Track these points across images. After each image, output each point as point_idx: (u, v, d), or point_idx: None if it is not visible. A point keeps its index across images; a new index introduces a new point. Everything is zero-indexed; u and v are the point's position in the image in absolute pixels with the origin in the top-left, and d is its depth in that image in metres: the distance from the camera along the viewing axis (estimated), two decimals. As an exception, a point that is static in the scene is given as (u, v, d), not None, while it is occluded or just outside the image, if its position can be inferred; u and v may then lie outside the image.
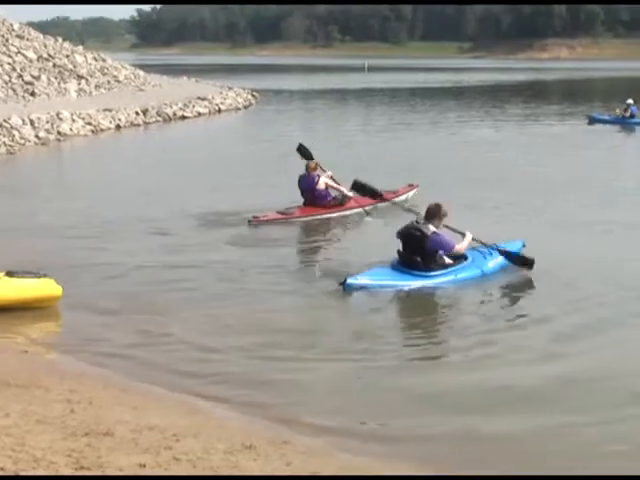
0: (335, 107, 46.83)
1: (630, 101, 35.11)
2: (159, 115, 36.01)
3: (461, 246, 11.46)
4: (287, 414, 7.37)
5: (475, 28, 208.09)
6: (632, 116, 34.58)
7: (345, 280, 10.75)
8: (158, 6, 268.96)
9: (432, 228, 11.11)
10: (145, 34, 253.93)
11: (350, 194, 15.56)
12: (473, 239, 11.72)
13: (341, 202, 15.87)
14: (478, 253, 11.78)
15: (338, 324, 9.89)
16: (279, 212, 15.27)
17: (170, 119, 36.34)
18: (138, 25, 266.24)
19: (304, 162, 16.24)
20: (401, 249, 11.32)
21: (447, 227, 11.54)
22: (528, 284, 11.49)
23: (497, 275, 11.70)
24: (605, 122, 34.74)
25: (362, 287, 10.79)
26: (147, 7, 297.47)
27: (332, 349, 8.96)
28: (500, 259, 11.81)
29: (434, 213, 11.20)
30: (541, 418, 7.32)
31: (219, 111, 41.28)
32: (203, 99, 41.87)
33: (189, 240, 13.93)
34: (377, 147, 27.20)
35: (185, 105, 39.03)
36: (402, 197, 16.68)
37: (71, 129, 29.88)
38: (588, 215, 15.91)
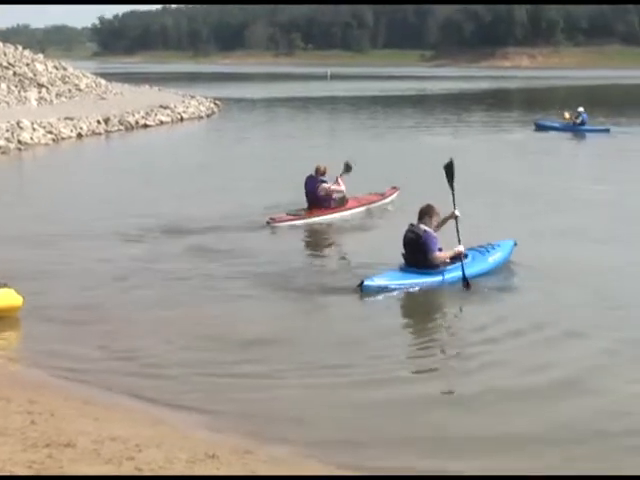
0: (298, 115, 46.85)
1: (581, 109, 35.58)
2: (121, 124, 35.83)
3: (444, 254, 11.63)
4: (250, 424, 7.35)
5: (437, 36, 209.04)
6: (583, 123, 35.09)
7: (362, 282, 11.12)
8: (120, 14, 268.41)
9: (423, 227, 11.54)
10: (107, 42, 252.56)
11: (342, 188, 16.44)
12: (460, 253, 11.77)
13: (341, 203, 16.57)
14: (477, 252, 12.25)
15: (308, 334, 9.83)
16: (289, 214, 16.00)
17: (132, 128, 36.17)
18: (100, 33, 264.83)
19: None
20: (405, 253, 11.68)
21: (455, 226, 11.89)
22: (512, 291, 11.66)
23: (490, 278, 11.94)
24: (551, 129, 35.21)
25: (379, 288, 11.17)
26: (109, 15, 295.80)
27: (303, 361, 8.92)
28: (497, 257, 12.29)
29: (425, 213, 11.63)
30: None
31: (181, 120, 41.15)
32: (165, 108, 41.72)
33: (152, 249, 13.85)
34: (336, 154, 27.15)
35: (147, 114, 38.87)
36: (389, 199, 17.75)
37: (32, 138, 29.66)
38: (539, 221, 15.98)
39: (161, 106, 41.87)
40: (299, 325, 10.16)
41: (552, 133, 34.52)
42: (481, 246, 12.44)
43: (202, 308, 10.67)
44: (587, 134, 34.56)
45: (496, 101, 61.04)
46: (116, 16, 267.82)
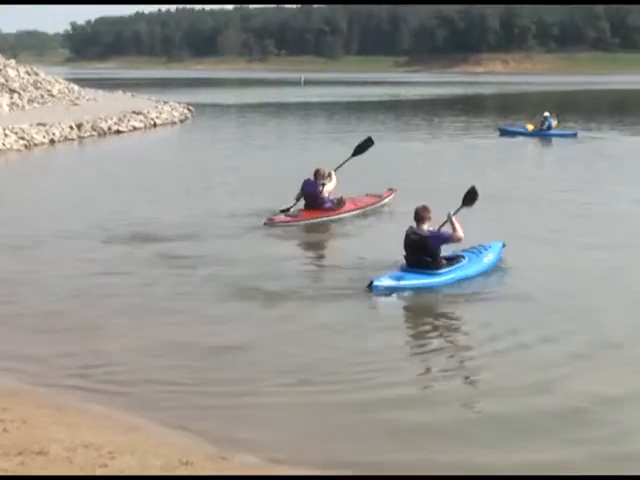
0: (271, 120, 46.81)
1: (547, 114, 35.85)
2: (94, 129, 35.67)
3: (457, 231, 11.92)
4: (225, 431, 7.32)
5: (410, 43, 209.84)
6: (549, 128, 35.31)
7: (372, 282, 11.37)
8: (93, 19, 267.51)
9: (426, 229, 11.86)
10: (80, 48, 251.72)
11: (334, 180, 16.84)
12: (453, 213, 12.18)
13: (339, 205, 16.95)
14: (472, 253, 12.61)
15: (284, 340, 9.78)
16: (287, 215, 16.29)
17: (105, 133, 36.01)
18: (72, 39, 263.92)
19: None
20: (407, 255, 11.94)
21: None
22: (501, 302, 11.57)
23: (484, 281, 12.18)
24: (516, 134, 35.41)
25: (388, 288, 11.43)
26: (82, 20, 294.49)
27: (277, 367, 8.88)
28: (491, 257, 12.70)
29: (423, 214, 11.90)
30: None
31: (155, 125, 41.01)
32: (138, 113, 41.55)
33: (124, 254, 13.74)
34: (309, 158, 27.17)
35: (120, 119, 38.71)
36: (385, 201, 18.21)
37: (3, 144, 29.47)
38: (507, 225, 16.05)
39: (134, 112, 41.71)
40: (275, 331, 10.10)
41: (519, 138, 34.66)
42: (474, 247, 12.78)
43: (176, 314, 10.62)
44: (554, 139, 34.75)
45: (469, 107, 61.28)
46: (88, 22, 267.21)
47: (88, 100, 48.58)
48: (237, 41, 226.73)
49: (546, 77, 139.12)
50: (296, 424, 7.50)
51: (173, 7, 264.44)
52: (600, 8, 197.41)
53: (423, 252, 11.81)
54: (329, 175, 16.95)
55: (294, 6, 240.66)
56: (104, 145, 33.41)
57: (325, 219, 16.71)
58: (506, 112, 53.70)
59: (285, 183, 19.24)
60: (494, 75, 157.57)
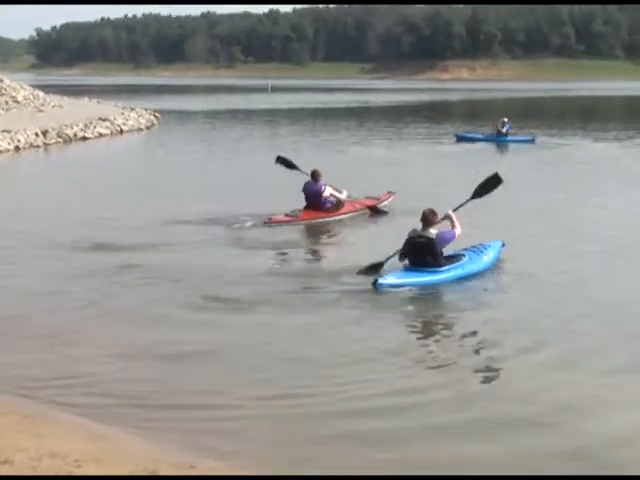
0: (238, 127, 46.73)
1: (505, 119, 36.13)
2: (59, 136, 35.44)
3: (458, 229, 12.50)
4: (191, 439, 7.27)
5: (376, 49, 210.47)
6: (507, 134, 35.51)
7: (376, 280, 11.65)
8: (58, 25, 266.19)
9: (433, 232, 12.19)
10: (45, 54, 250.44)
11: (343, 196, 17.50)
12: (454, 210, 12.87)
13: (337, 206, 17.41)
14: (472, 252, 12.97)
15: (255, 347, 9.69)
16: (287, 215, 16.68)
17: (71, 140, 35.80)
18: (37, 45, 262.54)
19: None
20: (409, 255, 12.26)
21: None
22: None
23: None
24: (473, 140, 35.59)
25: (392, 286, 11.70)
26: (47, 26, 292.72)
27: (246, 374, 8.84)
28: (491, 256, 13.07)
29: (430, 218, 12.21)
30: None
31: (121, 132, 40.83)
32: (105, 120, 41.35)
33: (89, 261, 13.60)
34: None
35: (86, 126, 38.50)
36: (385, 203, 18.58)
37: (-32, 151, 29.26)
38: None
39: (100, 118, 41.50)
40: (245, 338, 10.02)
41: (477, 144, 34.79)
42: (474, 246, 13.17)
43: (144, 322, 10.54)
44: (511, 144, 34.94)
45: (435, 113, 61.57)
46: (54, 28, 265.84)
47: (53, 107, 48.26)
48: (204, 48, 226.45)
49: (512, 83, 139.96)
50: (266, 432, 7.46)
51: (139, 13, 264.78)
52: (565, 14, 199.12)
53: (427, 253, 12.15)
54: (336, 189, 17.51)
55: (261, 12, 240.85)
56: (70, 152, 33.22)
57: (325, 220, 17.04)
58: (472, 119, 54.04)
59: (250, 189, 19.28)
60: (460, 82, 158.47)
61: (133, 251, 14.32)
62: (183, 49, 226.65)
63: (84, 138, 36.85)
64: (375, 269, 12.44)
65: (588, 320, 10.61)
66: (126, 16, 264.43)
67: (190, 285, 12.08)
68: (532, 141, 35.45)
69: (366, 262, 12.64)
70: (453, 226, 12.54)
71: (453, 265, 12.41)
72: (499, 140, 35.31)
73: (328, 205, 17.26)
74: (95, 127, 39.02)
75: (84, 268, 13.12)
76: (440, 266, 12.23)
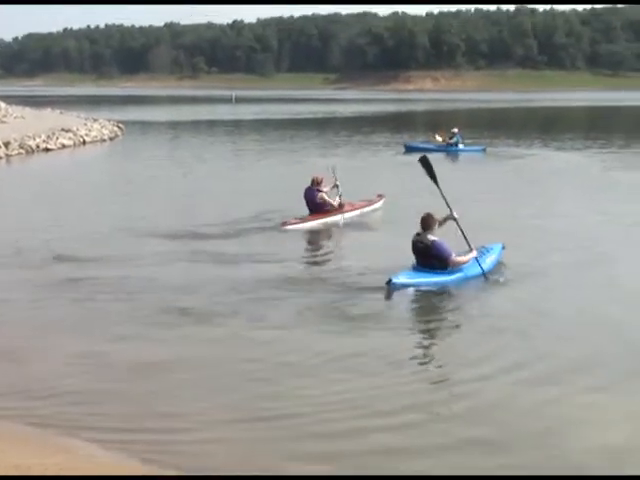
0: (202, 138, 46.70)
1: (455, 130, 36.38)
2: (22, 147, 35.21)
3: (460, 259, 12.94)
4: (155, 452, 7.24)
5: (340, 60, 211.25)
6: (456, 144, 35.79)
7: (390, 279, 12.17)
8: (20, 36, 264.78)
9: (431, 237, 12.69)
10: (6, 64, 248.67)
11: (335, 203, 18.69)
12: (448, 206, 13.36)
13: (338, 207, 18.74)
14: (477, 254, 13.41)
15: (217, 359, 9.61)
16: (297, 218, 18.01)
17: (33, 151, 35.57)
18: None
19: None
20: (416, 257, 12.86)
21: (459, 229, 13.19)
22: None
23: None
24: (422, 150, 35.60)
25: (405, 285, 12.28)
26: (8, 37, 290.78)
27: (210, 385, 8.78)
28: (493, 258, 13.69)
29: (429, 222, 12.76)
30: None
31: (84, 143, 40.65)
32: (67, 131, 41.16)
33: (45, 272, 13.44)
34: (238, 175, 27.25)
35: (49, 137, 38.29)
36: (377, 205, 20.15)
37: None
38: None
39: (63, 129, 41.30)
40: (210, 349, 9.94)
41: (426, 154, 34.65)
42: (478, 250, 13.53)
43: (106, 335, 10.42)
44: (461, 154, 35.17)
45: (398, 123, 61.79)
46: (15, 38, 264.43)
47: (15, 118, 48.00)
48: (167, 58, 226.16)
49: (476, 94, 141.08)
50: (230, 443, 7.44)
51: (102, 23, 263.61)
52: (528, 26, 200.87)
53: (432, 257, 12.70)
54: (336, 185, 18.92)
55: (225, 23, 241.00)
56: (32, 163, 33.00)
57: (329, 219, 18.41)
58: (435, 128, 54.14)
59: (211, 199, 19.57)
60: (424, 92, 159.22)
61: (94, 262, 14.19)
62: (146, 59, 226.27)
63: (47, 149, 36.63)
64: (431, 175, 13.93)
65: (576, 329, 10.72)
66: (89, 26, 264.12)
67: (154, 297, 11.98)
68: (483, 151, 35.77)
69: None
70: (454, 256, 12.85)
71: (459, 268, 12.95)
72: (449, 150, 35.46)
73: (327, 208, 18.53)
74: (58, 138, 38.82)
75: (43, 280, 12.99)
76: (446, 268, 12.77)
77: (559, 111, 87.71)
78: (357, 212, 19.31)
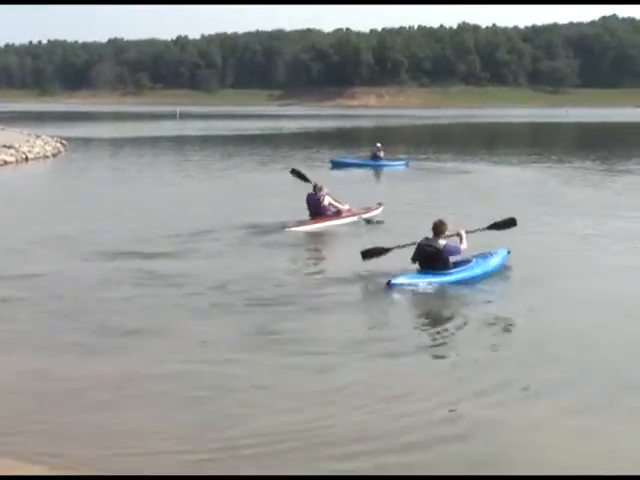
0: (145, 154, 46.40)
1: (379, 145, 37.13)
2: (-38, 164, 34.73)
3: (464, 246, 13.89)
4: (96, 467, 7.15)
5: (285, 76, 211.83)
6: (380, 158, 36.58)
7: (389, 281, 12.85)
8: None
9: (442, 242, 13.49)
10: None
11: (345, 207, 20.09)
12: (467, 232, 14.26)
13: (338, 214, 19.90)
14: (479, 258, 14.22)
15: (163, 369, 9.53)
16: (299, 222, 19.12)
17: (-26, 168, 35.10)
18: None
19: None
20: (419, 261, 13.55)
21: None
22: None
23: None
24: (348, 165, 36.17)
25: (404, 285, 12.95)
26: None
27: (152, 399, 8.69)
28: (497, 260, 14.42)
29: (441, 228, 13.53)
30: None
31: (26, 159, 40.12)
32: (9, 147, 40.62)
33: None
34: (181, 191, 27.15)
35: (-10, 153, 37.79)
36: (375, 212, 20.99)
37: None
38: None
39: (4, 145, 40.76)
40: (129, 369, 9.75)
41: (352, 169, 35.16)
42: (482, 253, 14.36)
43: (48, 350, 10.32)
44: (385, 168, 35.77)
45: (342, 140, 62.05)
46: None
47: (-44, 134, 47.34)
48: (111, 74, 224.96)
49: (420, 110, 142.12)
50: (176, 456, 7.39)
51: (45, 39, 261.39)
52: (470, 42, 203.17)
53: (436, 260, 13.40)
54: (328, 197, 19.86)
55: (168, 39, 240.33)
56: (-28, 180, 32.56)
57: (329, 224, 19.48)
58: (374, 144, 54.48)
59: (152, 215, 20.18)
60: (368, 108, 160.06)
61: (33, 280, 13.96)
62: (90, 76, 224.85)
63: (-12, 166, 36.14)
64: (380, 253, 14.21)
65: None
66: (31, 42, 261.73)
67: (94, 317, 11.81)
68: (405, 165, 36.51)
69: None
70: (461, 242, 13.92)
71: (460, 268, 13.68)
72: (373, 164, 36.22)
73: (329, 213, 19.73)
74: (-1, 154, 38.32)
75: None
76: (448, 269, 13.48)
77: (501, 127, 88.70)
78: (355, 218, 20.17)
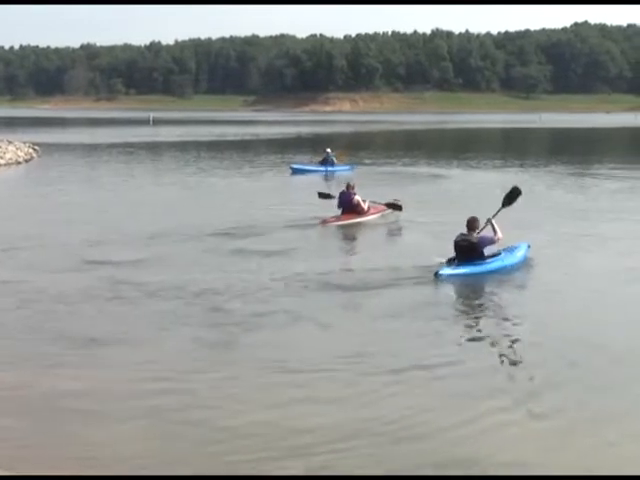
0: (119, 159, 46.23)
1: (328, 150, 37.93)
2: None
3: (498, 234, 15.02)
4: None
5: (259, 81, 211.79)
6: (332, 163, 37.33)
7: (437, 272, 14.16)
8: None
9: (475, 235, 14.81)
10: None
11: (366, 205, 21.85)
12: (493, 217, 15.34)
13: (367, 210, 21.90)
14: (506, 251, 15.53)
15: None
16: (333, 217, 21.21)
17: (-55, 174, 34.81)
18: None
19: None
20: (457, 255, 14.75)
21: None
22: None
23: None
24: (306, 171, 36.75)
25: (451, 276, 14.29)
26: None
27: (131, 406, 8.67)
28: (522, 253, 15.88)
29: (474, 224, 14.87)
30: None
31: (-2, 165, 39.88)
32: (-19, 153, 40.39)
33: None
34: (155, 196, 27.05)
35: (-39, 159, 37.52)
36: (388, 211, 22.59)
37: None
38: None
39: (-24, 151, 40.54)
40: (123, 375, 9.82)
41: (310, 175, 35.75)
42: (505, 248, 15.56)
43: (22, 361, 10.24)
44: (335, 173, 36.40)
45: (313, 144, 62.00)
46: None
47: None
48: (84, 80, 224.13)
49: (394, 115, 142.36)
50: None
51: (17, 45, 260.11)
52: (444, 49, 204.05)
53: (472, 253, 14.68)
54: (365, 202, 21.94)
55: (142, 44, 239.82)
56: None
57: (360, 219, 21.59)
58: (354, 149, 54.52)
59: (122, 222, 20.38)
60: (343, 114, 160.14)
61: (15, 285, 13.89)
62: (62, 81, 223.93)
63: (-41, 171, 35.87)
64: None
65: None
66: (3, 47, 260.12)
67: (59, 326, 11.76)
68: (350, 169, 37.24)
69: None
70: (494, 231, 15.01)
71: (494, 259, 15.00)
72: (324, 170, 36.92)
73: (359, 209, 21.69)
74: (-30, 160, 38.07)
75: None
76: (483, 260, 14.81)
77: (473, 132, 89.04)
78: (378, 215, 22.21)
